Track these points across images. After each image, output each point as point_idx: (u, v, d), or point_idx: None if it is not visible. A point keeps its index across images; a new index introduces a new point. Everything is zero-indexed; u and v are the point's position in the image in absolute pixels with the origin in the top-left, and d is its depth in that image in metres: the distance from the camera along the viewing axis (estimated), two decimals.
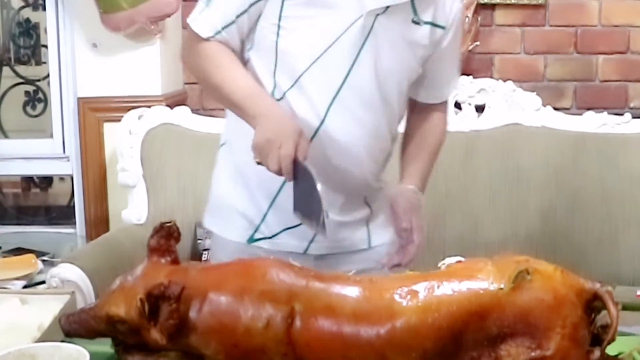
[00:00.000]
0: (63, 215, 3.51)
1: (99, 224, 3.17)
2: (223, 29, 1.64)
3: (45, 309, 1.41)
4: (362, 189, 1.77)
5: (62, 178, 3.66)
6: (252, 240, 1.77)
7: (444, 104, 1.91)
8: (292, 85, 1.65)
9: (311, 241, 1.72)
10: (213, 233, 1.86)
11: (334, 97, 1.64)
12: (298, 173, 1.51)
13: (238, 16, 1.64)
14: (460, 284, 1.15)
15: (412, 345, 1.13)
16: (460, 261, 1.22)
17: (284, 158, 1.49)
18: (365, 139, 1.69)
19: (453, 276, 1.17)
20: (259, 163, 1.53)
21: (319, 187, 1.46)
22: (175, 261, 1.26)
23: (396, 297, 1.15)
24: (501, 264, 1.17)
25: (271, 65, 1.67)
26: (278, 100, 1.65)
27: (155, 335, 1.15)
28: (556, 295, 1.13)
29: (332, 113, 1.65)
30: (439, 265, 1.22)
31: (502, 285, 1.13)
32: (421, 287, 1.16)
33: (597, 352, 1.14)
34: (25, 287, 2.44)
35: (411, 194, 1.75)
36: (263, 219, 1.75)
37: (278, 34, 1.64)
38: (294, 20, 1.62)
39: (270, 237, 1.76)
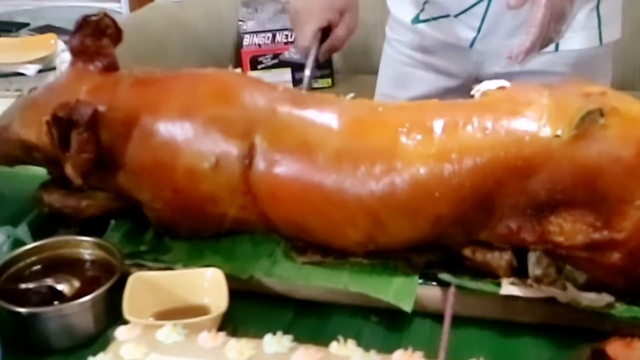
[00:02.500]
0: None
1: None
2: None
3: None
4: None
5: None
6: (417, 20, 1.43)
7: None
8: None
9: (478, 31, 1.34)
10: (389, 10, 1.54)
11: None
12: None
13: None
14: (497, 124, 0.77)
15: (418, 208, 0.78)
16: (503, 87, 0.82)
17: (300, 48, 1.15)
18: None
19: (489, 110, 0.78)
20: None
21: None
22: (111, 67, 0.91)
23: (401, 137, 0.79)
24: (563, 97, 0.78)
25: None
26: None
27: (69, 171, 0.83)
28: None
29: None
30: (472, 92, 0.84)
31: (559, 132, 0.75)
32: (439, 125, 0.79)
33: None
34: (40, 71, 2.15)
35: None
36: None
37: None
38: None
39: (435, 19, 1.40)
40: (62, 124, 0.82)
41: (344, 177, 0.79)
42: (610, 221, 0.75)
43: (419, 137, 0.78)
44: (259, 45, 2.38)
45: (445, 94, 1.39)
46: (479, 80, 1.37)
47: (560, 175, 0.75)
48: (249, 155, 0.81)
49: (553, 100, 0.78)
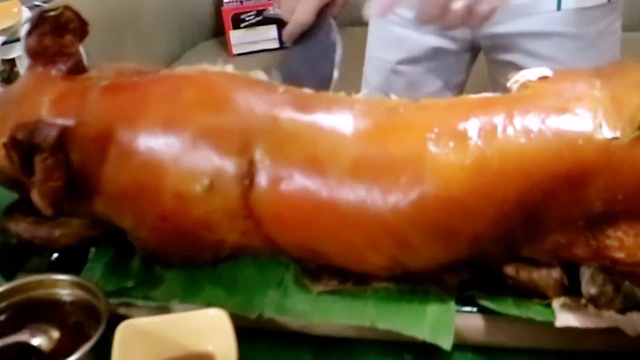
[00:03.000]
0: None
1: None
2: None
3: None
4: None
5: None
6: None
7: None
8: None
9: None
10: None
11: None
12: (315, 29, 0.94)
13: None
14: (543, 125, 0.64)
15: (453, 229, 0.66)
16: (545, 77, 0.69)
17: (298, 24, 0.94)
18: None
19: (532, 108, 0.66)
20: None
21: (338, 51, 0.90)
22: (77, 69, 0.78)
23: (430, 144, 0.66)
24: (618, 88, 0.65)
25: None
26: None
27: (37, 200, 0.70)
28: None
29: None
30: (509, 83, 0.71)
31: (617, 133, 0.62)
32: (474, 128, 0.66)
33: None
34: (4, 43, 1.99)
35: None
36: None
37: None
38: None
39: None
40: (23, 147, 0.69)
41: (363, 195, 0.67)
42: None
43: (450, 143, 0.66)
44: (241, 1, 2.22)
45: (440, 56, 1.26)
46: (474, 44, 1.23)
47: (621, 183, 0.63)
48: (249, 174, 0.68)
49: (607, 92, 0.65)
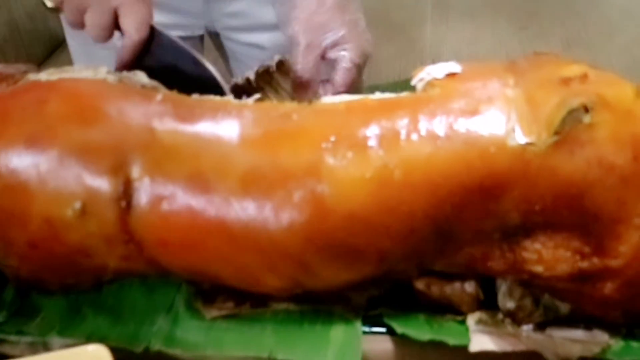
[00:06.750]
0: None
1: None
2: None
3: None
4: None
5: None
6: None
7: None
8: None
9: None
10: None
11: None
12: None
13: None
14: (451, 131, 0.58)
15: (355, 247, 0.60)
16: (453, 74, 0.62)
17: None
18: None
19: (438, 110, 0.59)
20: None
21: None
22: None
23: (326, 155, 0.59)
24: (534, 86, 0.59)
25: None
26: None
27: None
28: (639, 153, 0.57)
29: None
30: (413, 81, 0.64)
31: (532, 138, 0.56)
32: (374, 135, 0.59)
33: None
34: None
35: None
36: None
37: None
38: None
39: None
40: None
41: (254, 213, 0.60)
42: (602, 246, 0.58)
43: (349, 154, 0.59)
44: None
45: None
46: (208, 29, 1.09)
47: (538, 194, 0.57)
48: (126, 195, 0.60)
49: (521, 91, 0.59)
